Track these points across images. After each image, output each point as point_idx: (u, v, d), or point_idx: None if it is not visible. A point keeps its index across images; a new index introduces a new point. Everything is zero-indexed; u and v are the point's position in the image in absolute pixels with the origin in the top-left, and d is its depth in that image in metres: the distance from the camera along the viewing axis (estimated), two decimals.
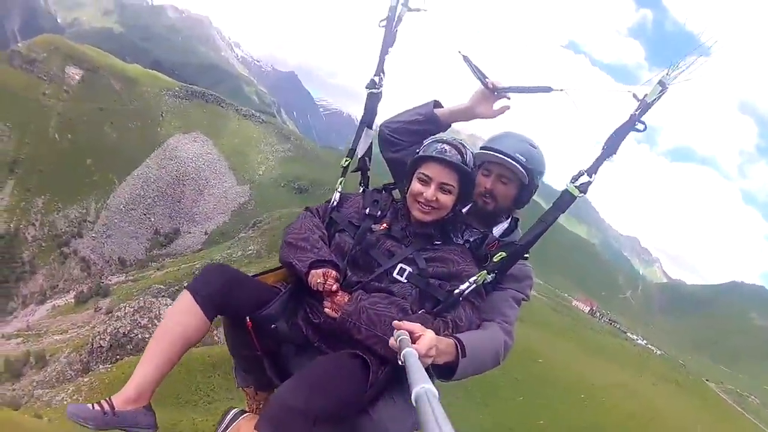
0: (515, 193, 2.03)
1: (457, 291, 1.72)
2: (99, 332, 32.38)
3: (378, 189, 2.04)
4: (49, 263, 65.45)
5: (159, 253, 75.84)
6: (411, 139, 2.03)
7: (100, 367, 27.79)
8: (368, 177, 2.20)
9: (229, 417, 1.73)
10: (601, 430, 14.13)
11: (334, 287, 1.69)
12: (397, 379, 1.61)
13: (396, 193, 2.02)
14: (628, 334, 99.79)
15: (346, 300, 1.68)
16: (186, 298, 1.61)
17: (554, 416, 15.32)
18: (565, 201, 1.76)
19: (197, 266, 51.34)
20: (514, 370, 17.62)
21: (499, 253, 1.80)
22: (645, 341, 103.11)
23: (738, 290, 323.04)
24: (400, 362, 1.13)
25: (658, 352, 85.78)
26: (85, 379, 25.34)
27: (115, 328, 31.33)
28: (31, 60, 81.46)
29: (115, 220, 76.52)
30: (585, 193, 1.72)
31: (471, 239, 1.98)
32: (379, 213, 1.90)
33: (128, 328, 30.37)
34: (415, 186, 1.78)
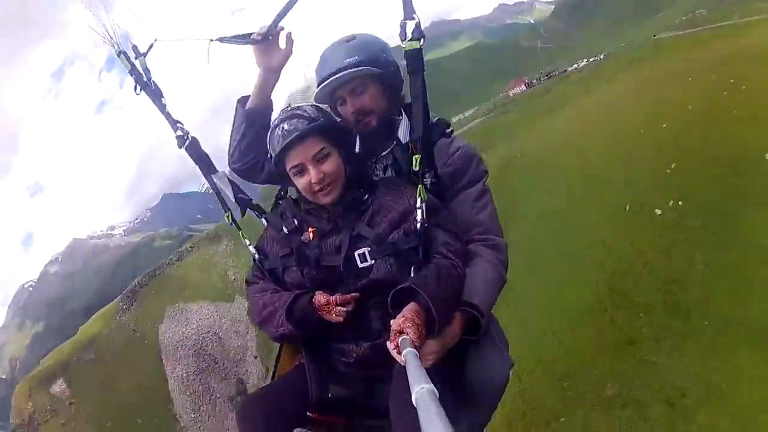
0: (380, 88, 1.82)
1: (418, 226, 1.56)
2: None
3: (274, 206, 1.90)
4: None
5: None
6: (258, 149, 1.84)
7: None
8: (259, 206, 1.96)
9: None
10: (580, 145, 16.71)
11: (336, 299, 1.54)
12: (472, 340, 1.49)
13: (292, 191, 1.80)
14: (568, 69, 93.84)
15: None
16: None
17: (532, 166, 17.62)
18: (414, 60, 1.58)
19: None
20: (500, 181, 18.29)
21: (414, 158, 1.62)
22: (587, 60, 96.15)
23: None
24: (401, 362, 1.11)
25: (602, 55, 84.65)
26: None
27: None
28: None
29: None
30: (423, 37, 1.56)
31: (389, 163, 1.84)
32: (295, 223, 1.71)
33: None
34: (299, 181, 1.62)
